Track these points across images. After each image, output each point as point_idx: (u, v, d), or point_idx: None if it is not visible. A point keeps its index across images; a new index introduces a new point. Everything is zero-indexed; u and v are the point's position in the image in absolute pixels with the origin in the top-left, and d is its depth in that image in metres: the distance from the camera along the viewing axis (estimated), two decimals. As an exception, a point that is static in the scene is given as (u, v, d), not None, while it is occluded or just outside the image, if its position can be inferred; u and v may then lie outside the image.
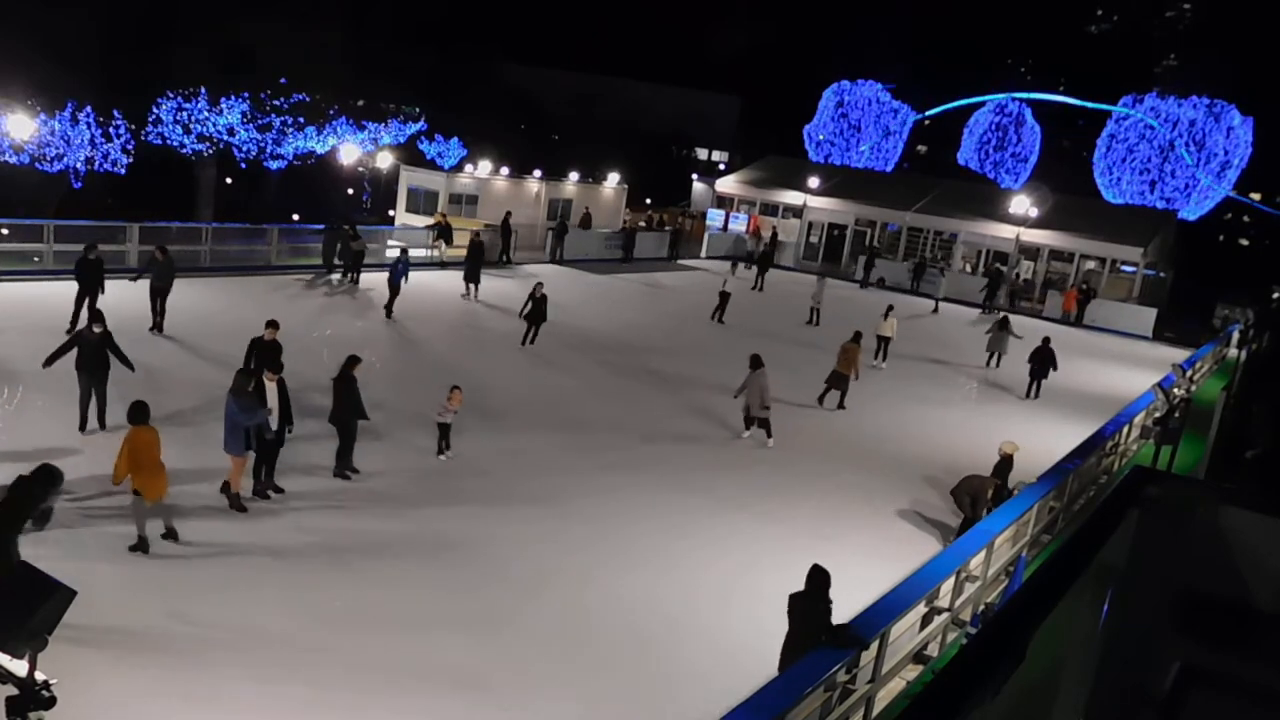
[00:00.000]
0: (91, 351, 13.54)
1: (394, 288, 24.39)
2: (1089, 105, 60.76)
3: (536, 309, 22.69)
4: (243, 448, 11.76)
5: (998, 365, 27.47)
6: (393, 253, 33.98)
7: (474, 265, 28.20)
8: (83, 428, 13.67)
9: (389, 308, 24.33)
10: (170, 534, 10.87)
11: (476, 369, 19.84)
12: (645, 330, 27.31)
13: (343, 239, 28.39)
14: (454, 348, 22.69)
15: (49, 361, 13.38)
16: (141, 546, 10.52)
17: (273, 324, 14.81)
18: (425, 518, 12.53)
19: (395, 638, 9.62)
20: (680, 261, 43.26)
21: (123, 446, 10.46)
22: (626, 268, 38.89)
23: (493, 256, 35.78)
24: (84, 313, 17.69)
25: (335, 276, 28.45)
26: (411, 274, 25.81)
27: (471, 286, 28.01)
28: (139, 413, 10.68)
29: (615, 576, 11.67)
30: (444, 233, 33.27)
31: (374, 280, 27.27)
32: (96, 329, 13.61)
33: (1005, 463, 14.43)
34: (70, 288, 19.22)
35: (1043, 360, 24.42)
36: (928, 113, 63.61)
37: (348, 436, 13.38)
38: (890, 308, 26.67)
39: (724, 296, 29.67)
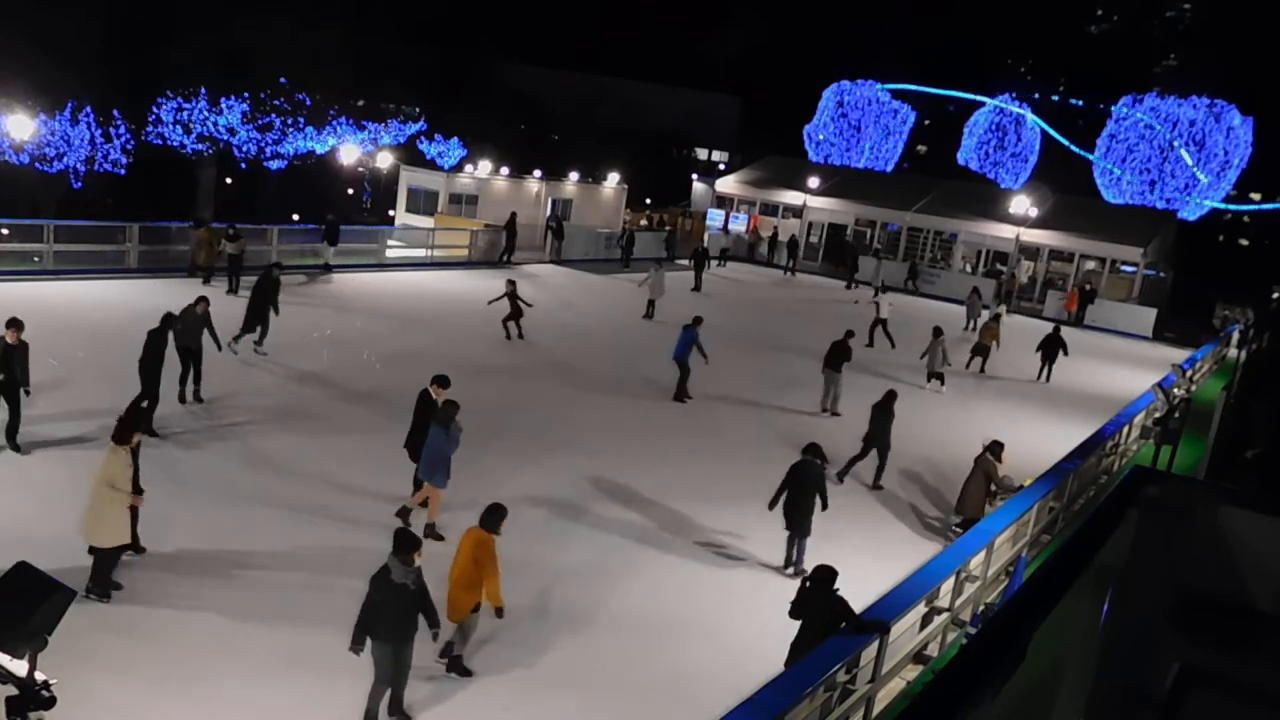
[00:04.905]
0: (402, 607, 8.07)
1: (682, 368, 19.83)
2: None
3: (515, 307, 23.24)
4: (445, 479, 11.71)
5: (974, 329, 31.56)
6: (394, 252, 34.26)
7: (261, 305, 19.32)
8: None
9: (680, 389, 19.87)
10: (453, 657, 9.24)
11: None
12: (642, 332, 27.31)
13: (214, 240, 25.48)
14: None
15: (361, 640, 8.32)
16: (458, 667, 9.14)
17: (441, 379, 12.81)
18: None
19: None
20: (678, 261, 43.26)
21: (479, 556, 8.82)
22: (625, 268, 38.86)
23: (493, 256, 35.88)
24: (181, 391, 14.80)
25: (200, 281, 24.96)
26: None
27: (257, 328, 19.21)
28: (494, 518, 9.02)
29: (617, 575, 11.66)
30: (329, 231, 29.92)
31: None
32: (409, 565, 8.05)
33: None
34: (67, 290, 18.76)
35: (1051, 346, 26.73)
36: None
37: (884, 457, 15.82)
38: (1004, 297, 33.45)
39: (879, 323, 27.81)
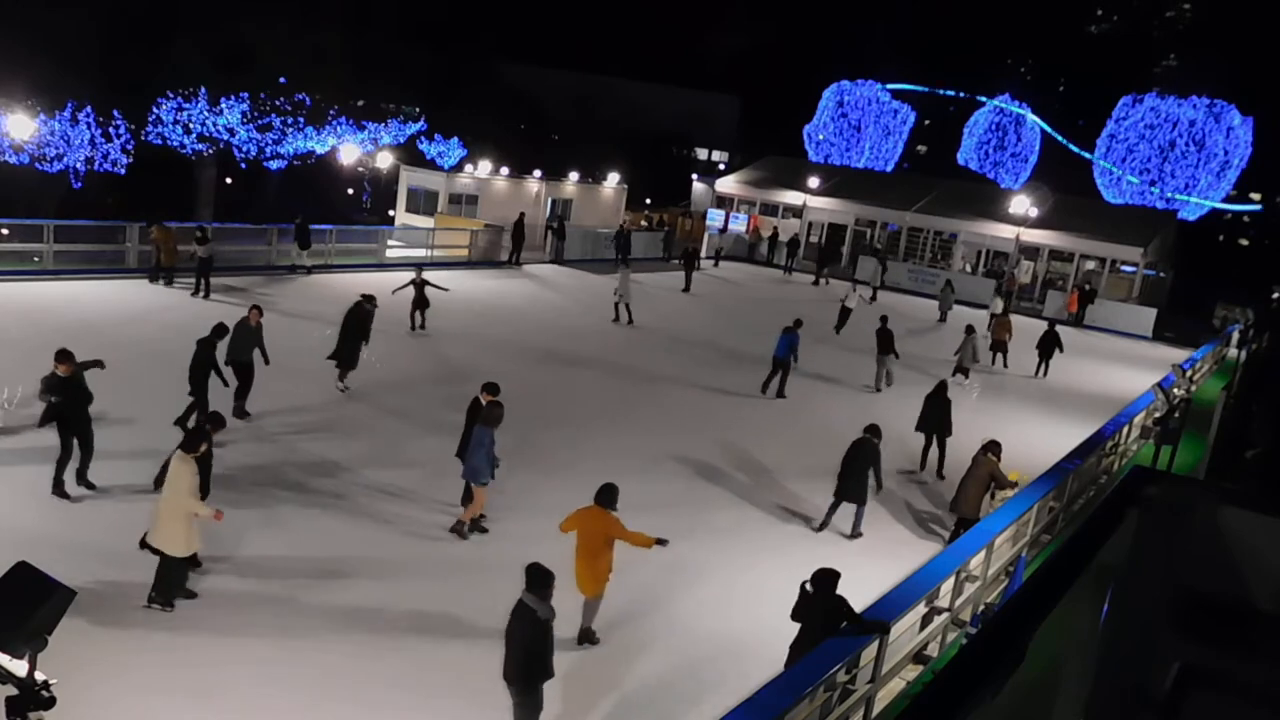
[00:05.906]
0: (546, 643, 7.81)
1: (781, 366, 20.86)
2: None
3: (420, 295, 23.14)
4: (489, 477, 11.81)
5: (944, 320, 34.52)
6: (394, 252, 34.21)
7: (353, 342, 17.72)
8: None
9: (780, 386, 20.95)
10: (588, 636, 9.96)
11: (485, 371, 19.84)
12: (643, 332, 27.30)
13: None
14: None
15: None
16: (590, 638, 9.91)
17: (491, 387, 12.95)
18: (424, 519, 12.52)
19: (396, 639, 9.62)
20: (675, 260, 43.26)
21: (609, 527, 9.64)
22: (623, 267, 38.84)
23: (494, 256, 35.85)
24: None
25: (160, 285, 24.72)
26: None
27: (343, 371, 17.72)
28: (611, 495, 9.81)
29: (617, 577, 11.64)
30: (299, 233, 29.06)
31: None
32: (548, 600, 7.84)
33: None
34: (67, 290, 18.68)
35: (1048, 343, 27.59)
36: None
37: (944, 445, 16.85)
38: (1004, 295, 35.34)
39: (845, 311, 29.94)
